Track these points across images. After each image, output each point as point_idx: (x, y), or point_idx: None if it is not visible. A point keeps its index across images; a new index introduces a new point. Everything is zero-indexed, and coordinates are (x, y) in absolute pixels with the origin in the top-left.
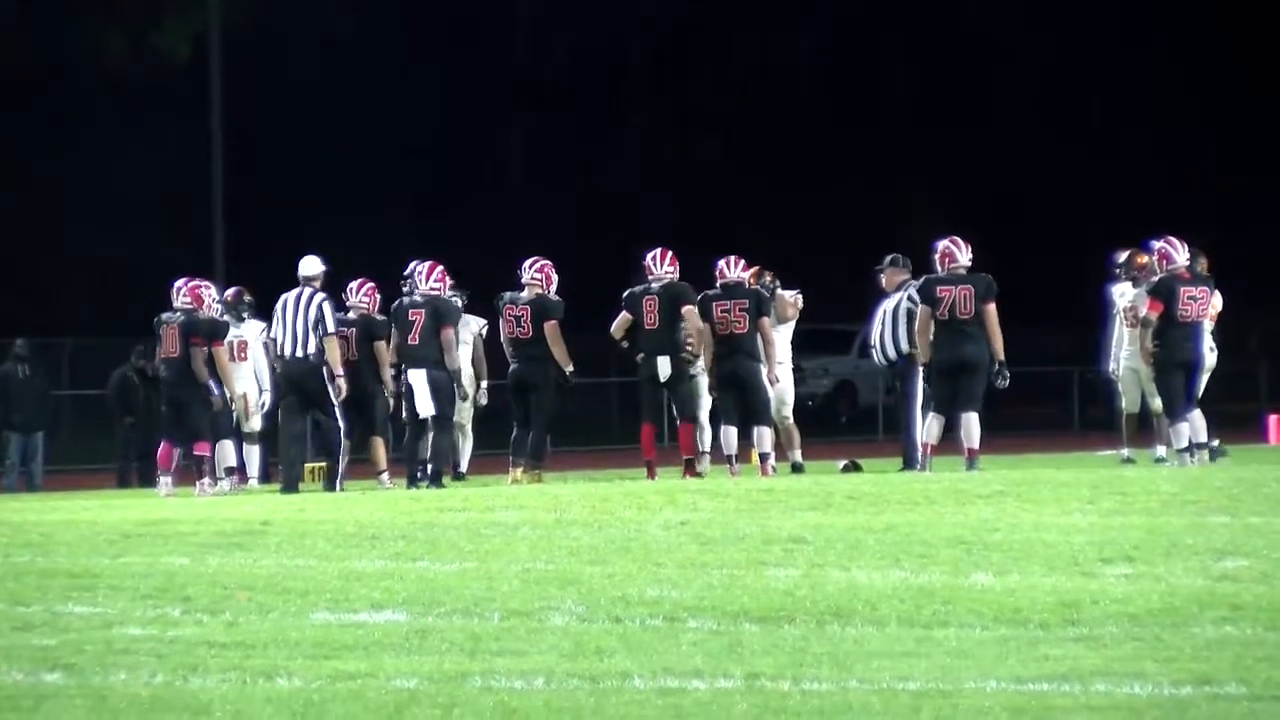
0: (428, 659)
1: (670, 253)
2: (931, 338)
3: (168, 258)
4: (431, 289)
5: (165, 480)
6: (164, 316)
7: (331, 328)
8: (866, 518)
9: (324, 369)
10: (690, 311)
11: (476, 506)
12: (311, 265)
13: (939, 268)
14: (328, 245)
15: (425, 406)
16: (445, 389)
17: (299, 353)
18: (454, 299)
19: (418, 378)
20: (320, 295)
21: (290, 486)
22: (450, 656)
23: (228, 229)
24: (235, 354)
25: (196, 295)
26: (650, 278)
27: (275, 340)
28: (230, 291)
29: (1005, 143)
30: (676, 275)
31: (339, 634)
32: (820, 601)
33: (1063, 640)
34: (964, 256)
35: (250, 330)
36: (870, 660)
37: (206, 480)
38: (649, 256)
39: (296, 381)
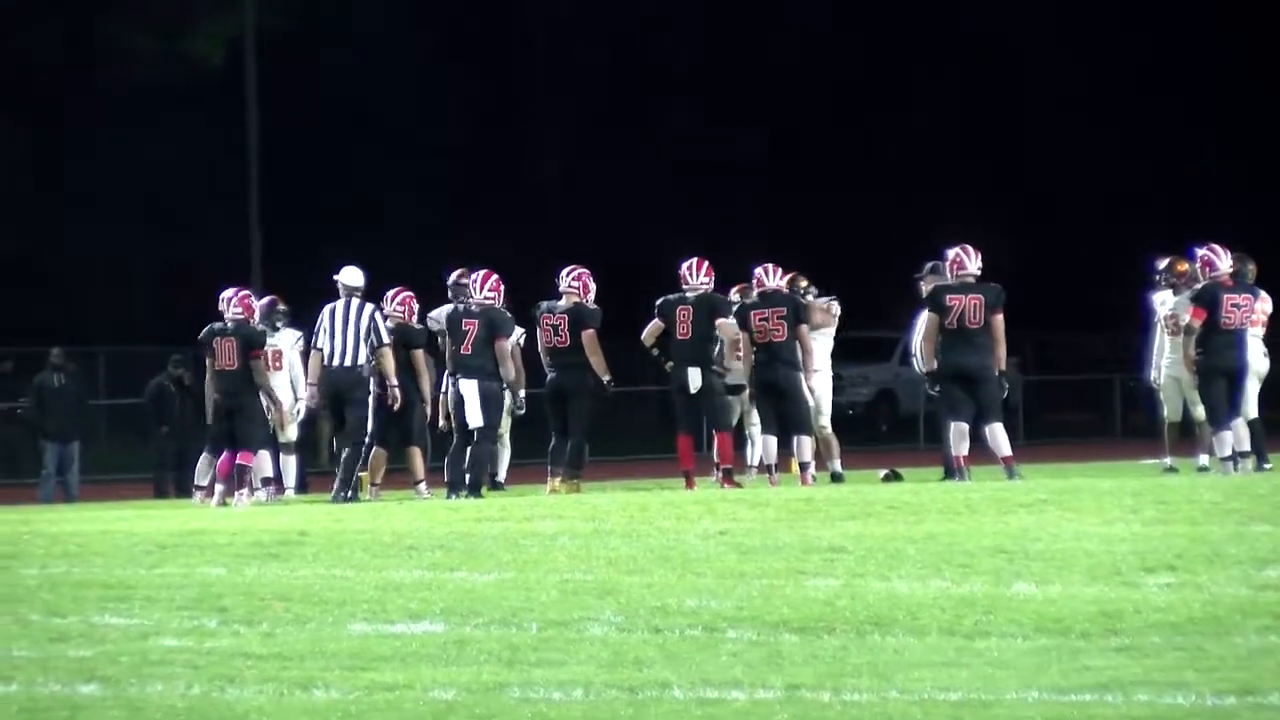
0: (465, 670)
1: (706, 263)
2: (937, 346)
3: (203, 263)
4: (486, 299)
5: (220, 490)
6: (216, 327)
7: (386, 338)
8: (907, 527)
9: (371, 380)
10: (724, 325)
11: (514, 516)
12: (353, 276)
13: (949, 275)
14: (362, 249)
15: (475, 417)
16: (495, 400)
17: (347, 362)
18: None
19: (469, 388)
20: (370, 306)
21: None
22: (488, 667)
23: (264, 234)
24: (270, 363)
25: (248, 305)
26: (685, 287)
27: (322, 350)
28: (264, 301)
29: (1043, 145)
30: (711, 286)
31: (376, 645)
32: (860, 611)
33: (1105, 650)
34: (973, 264)
35: (284, 339)
36: (911, 670)
37: (245, 490)
38: (685, 266)
39: (340, 390)
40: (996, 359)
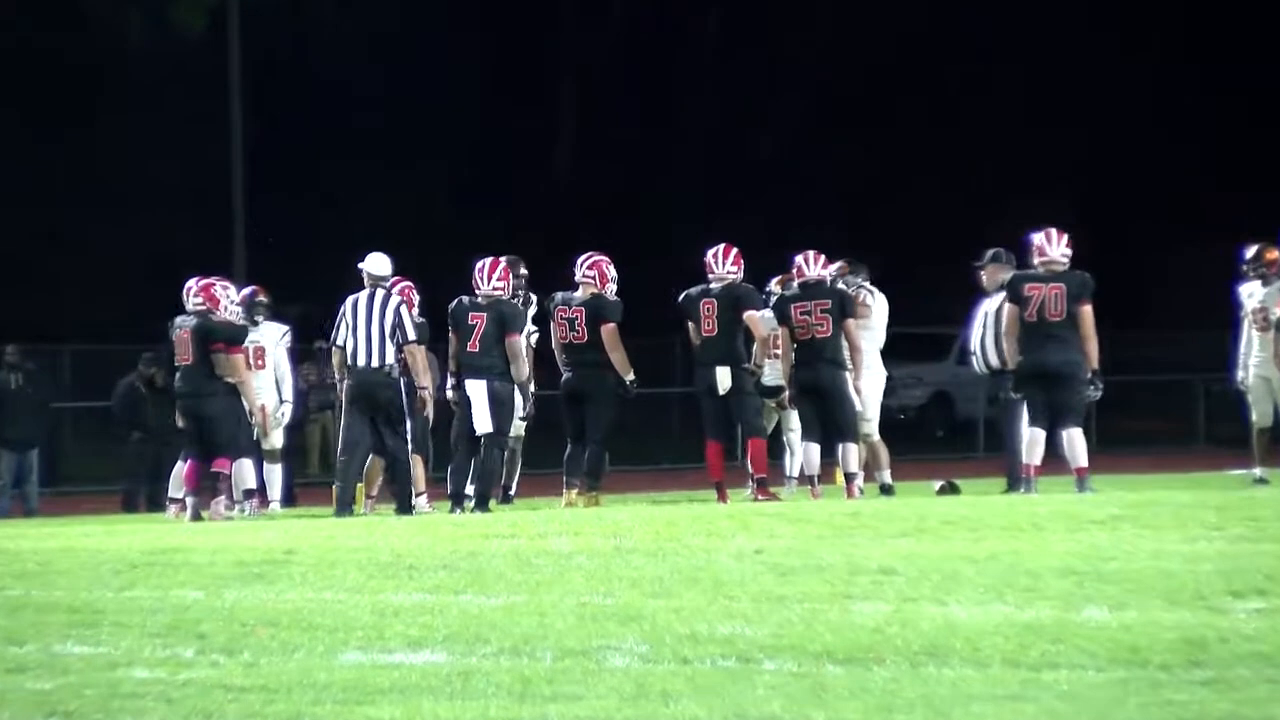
0: (472, 704)
1: (735, 250)
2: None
3: (183, 253)
4: (494, 289)
5: (192, 504)
6: (177, 320)
7: (413, 334)
8: (965, 545)
9: (402, 381)
10: (752, 318)
11: (526, 533)
12: (380, 264)
13: (1032, 261)
14: (360, 237)
15: (483, 423)
16: (507, 404)
17: (374, 363)
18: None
19: (477, 389)
20: (396, 298)
21: (344, 508)
22: (497, 701)
23: (249, 220)
24: (251, 361)
25: (211, 295)
26: (711, 277)
27: (344, 348)
28: (244, 291)
29: (1117, 131)
30: (740, 275)
31: (372, 676)
32: (913, 640)
33: (1187, 683)
34: (1056, 250)
35: (268, 334)
36: (970, 705)
37: (223, 500)
38: (710, 253)
39: (369, 394)
40: (1086, 356)
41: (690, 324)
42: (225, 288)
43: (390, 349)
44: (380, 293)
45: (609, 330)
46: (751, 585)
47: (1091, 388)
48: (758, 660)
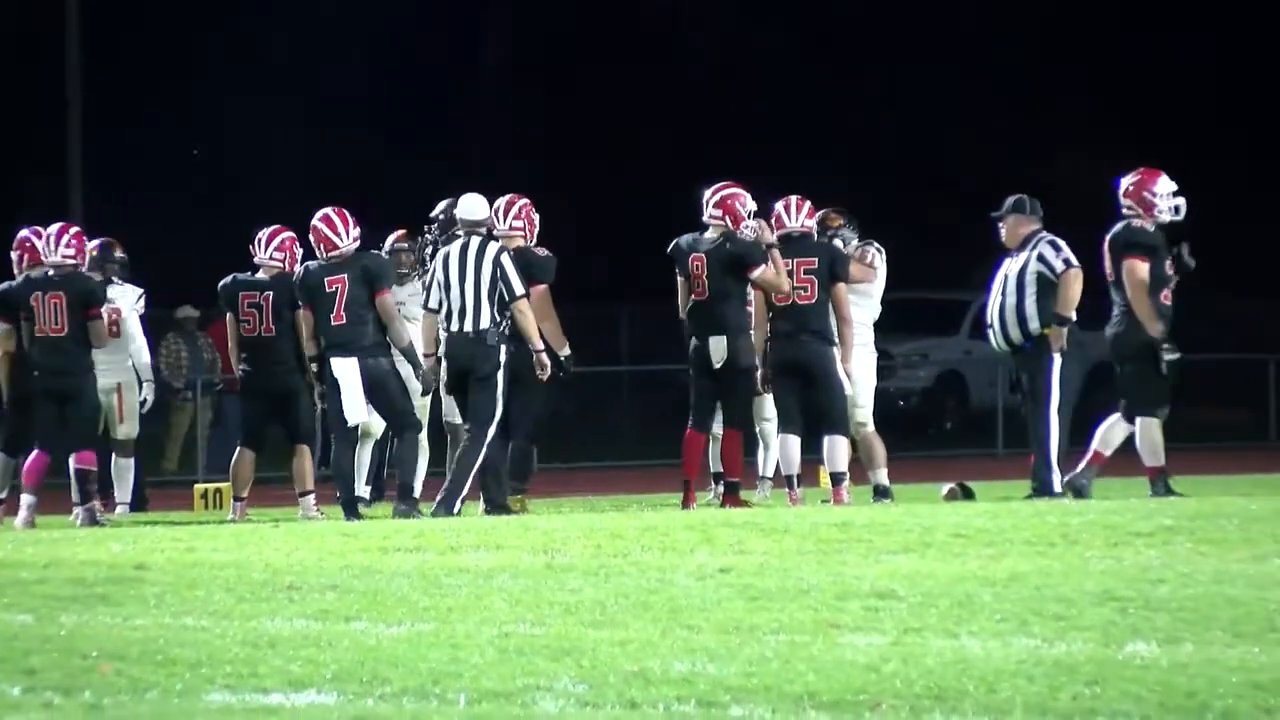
0: None
1: (735, 190)
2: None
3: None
4: (352, 241)
5: (28, 502)
6: (34, 276)
7: (519, 289)
8: (981, 564)
9: (503, 349)
10: (765, 272)
11: (435, 546)
12: (477, 206)
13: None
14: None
15: (354, 410)
16: (388, 382)
17: (468, 326)
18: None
19: (345, 368)
20: (496, 245)
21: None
22: None
23: (87, 151)
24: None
25: (82, 247)
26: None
27: (438, 312)
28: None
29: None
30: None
31: None
32: (916, 681)
33: None
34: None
35: (123, 297)
36: None
37: (97, 504)
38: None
39: (466, 365)
40: (1140, 317)
41: (680, 281)
42: (82, 237)
43: (488, 309)
44: (476, 241)
45: (539, 293)
46: (715, 612)
47: (1168, 354)
48: (723, 705)
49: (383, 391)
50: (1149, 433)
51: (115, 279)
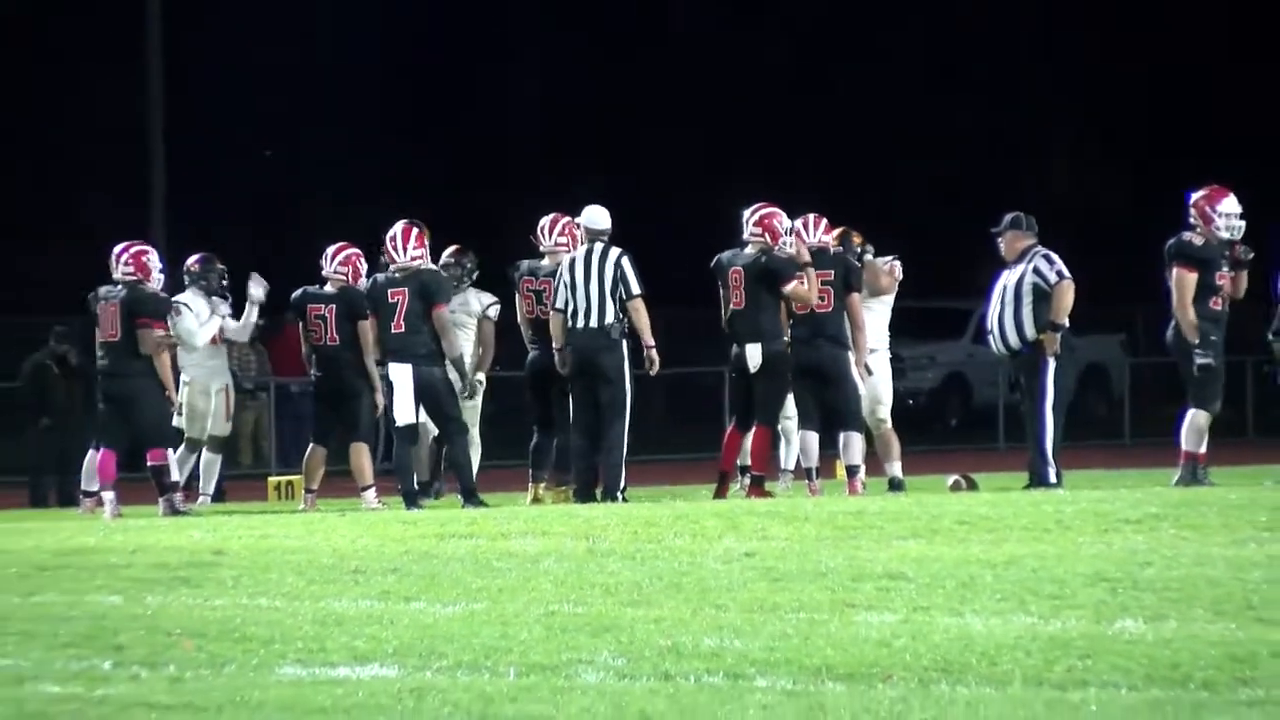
0: None
1: (772, 210)
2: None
3: (95, 213)
4: (413, 259)
5: (109, 498)
6: (101, 291)
7: (636, 289)
8: (983, 548)
9: (624, 345)
10: (796, 289)
11: (487, 533)
12: (600, 217)
13: (1197, 220)
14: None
15: (404, 411)
16: (439, 389)
17: (593, 322)
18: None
19: (400, 374)
20: (617, 250)
21: (584, 494)
22: None
23: (170, 177)
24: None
25: (142, 263)
26: (745, 239)
27: (564, 312)
28: (194, 259)
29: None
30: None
31: (312, 694)
32: (924, 655)
33: (1233, 704)
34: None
35: (220, 308)
36: None
37: (177, 495)
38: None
39: (589, 360)
40: (1183, 326)
41: (722, 293)
42: (149, 253)
43: (611, 307)
44: (599, 246)
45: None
46: (741, 593)
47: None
48: (748, 677)
49: (433, 398)
50: (1195, 422)
51: (214, 293)
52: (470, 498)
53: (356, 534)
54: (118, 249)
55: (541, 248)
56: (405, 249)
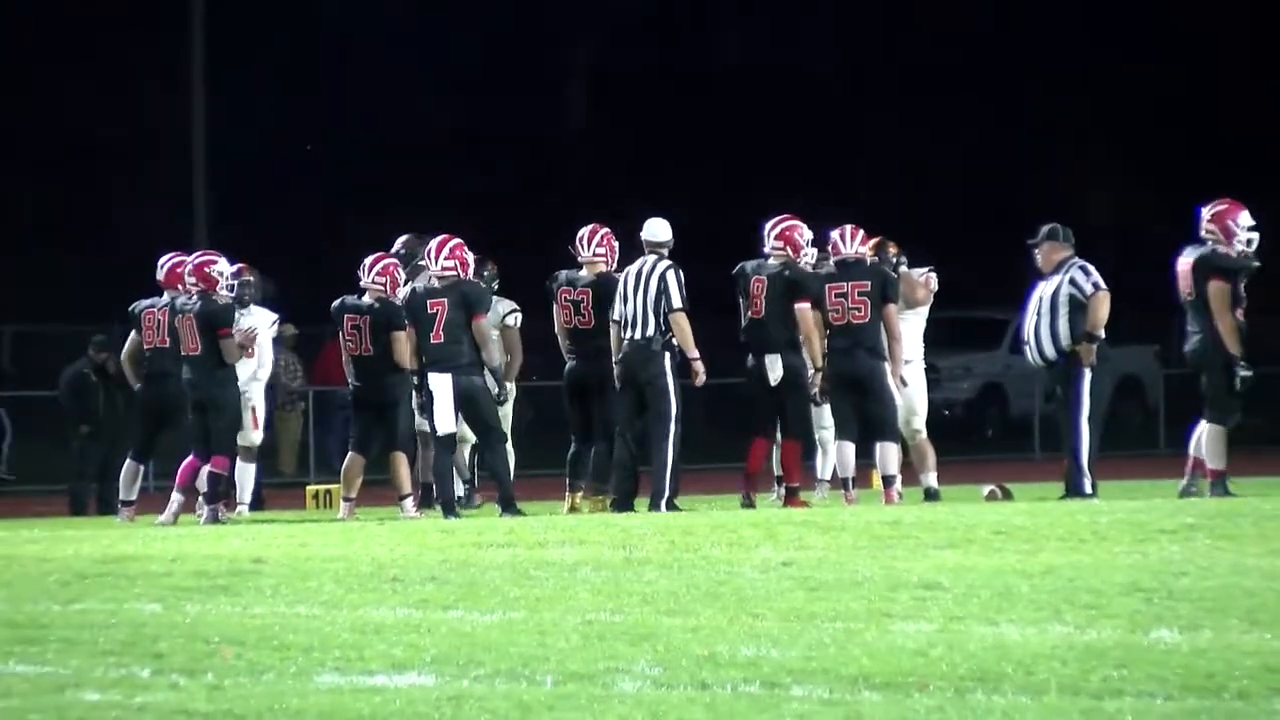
0: None
1: (793, 222)
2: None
3: (136, 222)
4: (445, 269)
5: (177, 500)
6: (178, 302)
7: (678, 302)
8: (1019, 558)
9: (666, 356)
10: (804, 311)
11: (525, 541)
12: (660, 229)
13: (1219, 234)
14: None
15: (444, 421)
16: (479, 398)
17: (637, 334)
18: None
19: (440, 383)
20: (665, 263)
21: (625, 504)
22: None
23: (211, 185)
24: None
25: (205, 275)
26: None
27: (619, 323)
28: (231, 269)
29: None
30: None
31: (351, 701)
32: (960, 664)
33: (1269, 714)
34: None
35: (260, 320)
36: None
37: (221, 505)
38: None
39: (633, 371)
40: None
41: (741, 302)
42: (214, 262)
43: (654, 319)
44: (651, 259)
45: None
46: (778, 602)
47: (1238, 373)
48: (785, 686)
49: (473, 406)
50: (1216, 438)
51: (250, 300)
52: (508, 506)
53: (395, 542)
54: (192, 260)
55: (580, 258)
56: (438, 260)
